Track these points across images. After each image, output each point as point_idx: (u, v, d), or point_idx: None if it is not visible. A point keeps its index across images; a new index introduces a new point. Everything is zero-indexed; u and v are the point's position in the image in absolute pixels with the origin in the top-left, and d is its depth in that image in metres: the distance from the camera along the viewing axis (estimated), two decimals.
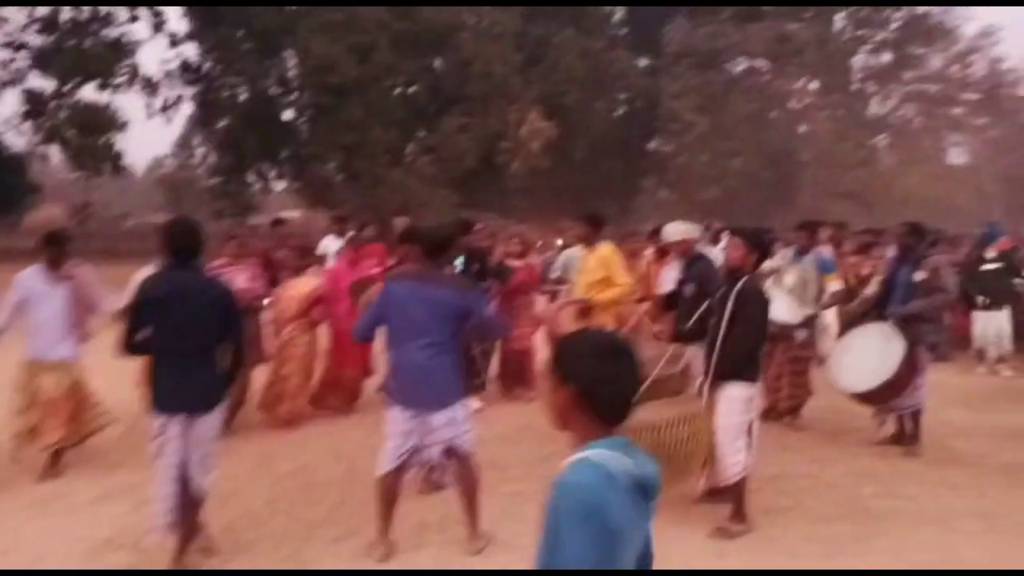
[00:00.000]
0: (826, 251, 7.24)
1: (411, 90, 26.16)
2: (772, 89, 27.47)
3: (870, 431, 6.01)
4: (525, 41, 24.96)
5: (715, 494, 4.44)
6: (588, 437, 1.67)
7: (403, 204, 23.45)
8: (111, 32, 24.24)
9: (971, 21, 51.13)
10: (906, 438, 5.79)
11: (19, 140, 24.68)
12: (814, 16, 28.48)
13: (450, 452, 4.02)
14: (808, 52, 26.37)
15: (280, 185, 30.75)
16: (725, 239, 7.95)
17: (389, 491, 4.00)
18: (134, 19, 24.74)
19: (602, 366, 1.67)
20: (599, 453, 1.61)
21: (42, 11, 23.64)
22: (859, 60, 30.86)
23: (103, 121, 23.40)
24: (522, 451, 5.64)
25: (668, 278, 5.86)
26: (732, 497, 4.31)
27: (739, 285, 4.24)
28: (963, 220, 20.68)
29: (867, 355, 5.44)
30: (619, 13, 31.13)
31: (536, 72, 24.90)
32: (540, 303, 7.79)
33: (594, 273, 6.11)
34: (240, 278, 5.92)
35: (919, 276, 5.66)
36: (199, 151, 30.31)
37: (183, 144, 32.16)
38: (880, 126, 31.13)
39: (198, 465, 3.75)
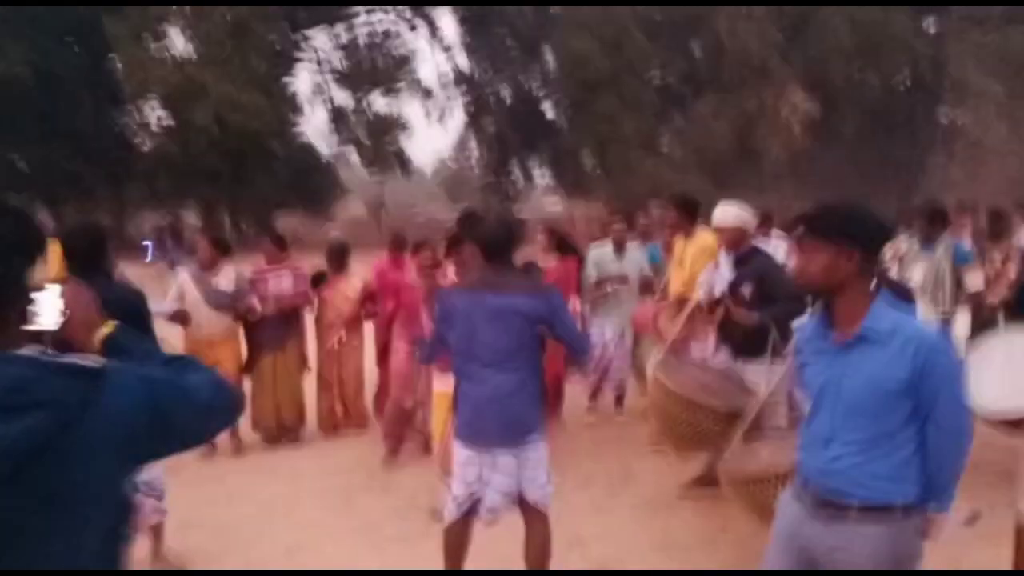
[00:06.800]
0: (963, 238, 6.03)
1: (666, 78, 26.26)
2: None
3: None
4: (783, 15, 23.72)
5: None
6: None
7: (653, 191, 23.71)
8: (398, 48, 27.85)
9: None
10: None
11: (327, 147, 29.28)
12: None
13: (519, 503, 3.33)
14: None
15: (542, 178, 32.80)
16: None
17: (455, 544, 3.34)
18: (412, 27, 28.12)
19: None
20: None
21: (344, 36, 27.89)
22: None
23: (390, 127, 27.17)
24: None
25: (716, 277, 4.66)
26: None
27: None
28: None
29: (1016, 367, 3.62)
30: None
31: (796, 47, 23.55)
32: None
33: (696, 265, 5.17)
34: (284, 283, 5.86)
35: None
36: (474, 150, 33.75)
37: (460, 145, 35.83)
38: None
39: None
